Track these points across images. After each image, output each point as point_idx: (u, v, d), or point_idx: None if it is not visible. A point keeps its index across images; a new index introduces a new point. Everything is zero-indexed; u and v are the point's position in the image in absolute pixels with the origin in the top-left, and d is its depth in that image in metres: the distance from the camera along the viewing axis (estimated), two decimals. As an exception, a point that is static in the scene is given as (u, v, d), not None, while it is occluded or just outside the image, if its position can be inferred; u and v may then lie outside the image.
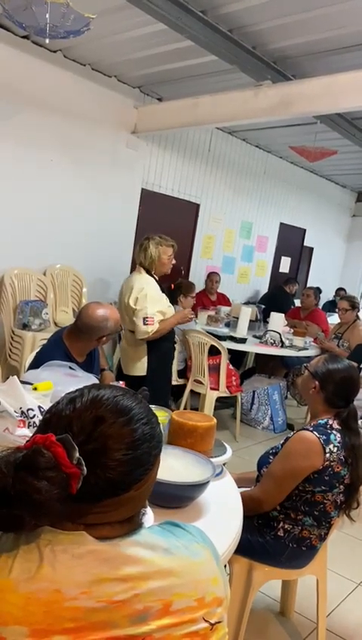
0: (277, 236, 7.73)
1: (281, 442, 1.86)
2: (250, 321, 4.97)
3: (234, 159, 6.57)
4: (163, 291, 3.33)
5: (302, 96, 3.84)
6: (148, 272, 3.25)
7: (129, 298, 3.15)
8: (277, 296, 6.58)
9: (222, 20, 3.44)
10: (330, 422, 1.79)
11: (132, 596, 0.72)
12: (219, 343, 4.18)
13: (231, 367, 4.43)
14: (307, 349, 4.76)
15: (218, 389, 4.25)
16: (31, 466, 0.70)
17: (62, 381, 1.80)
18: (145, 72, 4.61)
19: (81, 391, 0.81)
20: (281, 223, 7.73)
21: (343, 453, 1.74)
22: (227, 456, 1.74)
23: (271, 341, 4.69)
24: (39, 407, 1.52)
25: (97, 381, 2.13)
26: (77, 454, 0.71)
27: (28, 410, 1.49)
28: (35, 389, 1.67)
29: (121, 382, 2.40)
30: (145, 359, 3.24)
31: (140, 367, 3.26)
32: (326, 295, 8.24)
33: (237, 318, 4.90)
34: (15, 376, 1.59)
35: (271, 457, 1.86)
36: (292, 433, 1.82)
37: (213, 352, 4.21)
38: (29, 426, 1.47)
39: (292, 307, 6.24)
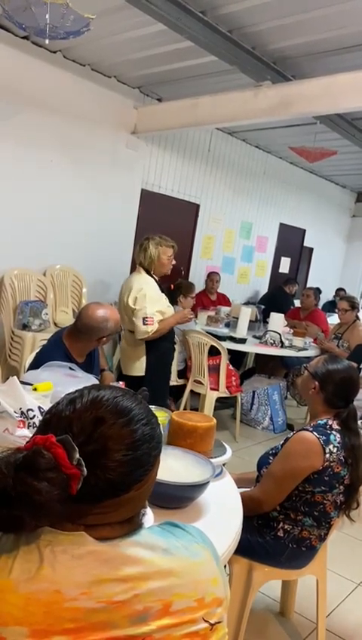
0: (277, 236, 7.73)
1: (281, 443, 1.86)
2: (250, 321, 4.97)
3: (233, 160, 6.57)
4: (162, 291, 3.33)
5: (302, 96, 3.85)
6: (148, 272, 3.25)
7: (128, 298, 3.16)
8: (277, 297, 6.58)
9: (222, 21, 3.44)
10: (330, 422, 1.79)
11: (132, 597, 0.72)
12: (218, 344, 4.18)
13: (230, 367, 4.43)
14: (307, 349, 4.76)
15: (218, 390, 4.25)
16: (31, 466, 0.70)
17: (62, 382, 1.80)
18: (144, 73, 4.61)
19: (81, 392, 0.81)
20: (281, 224, 7.73)
21: (343, 453, 1.74)
22: (227, 456, 1.74)
23: (271, 341, 4.70)
24: (39, 407, 1.52)
25: (97, 382, 2.13)
26: (77, 455, 0.71)
27: (28, 410, 1.49)
28: (35, 389, 1.67)
29: (121, 382, 2.40)
30: (143, 359, 3.25)
31: (139, 367, 3.27)
32: (326, 295, 8.25)
33: (237, 319, 4.91)
34: (15, 377, 1.59)
35: (271, 458, 1.86)
36: (292, 433, 1.82)
37: (213, 352, 4.21)
38: (28, 427, 1.47)
39: (292, 307, 6.24)
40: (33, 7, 2.48)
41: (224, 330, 4.87)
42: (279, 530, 1.81)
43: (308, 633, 2.20)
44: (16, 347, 4.15)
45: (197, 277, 6.26)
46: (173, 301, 4.10)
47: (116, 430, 0.76)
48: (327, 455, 1.71)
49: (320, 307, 6.30)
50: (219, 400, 4.35)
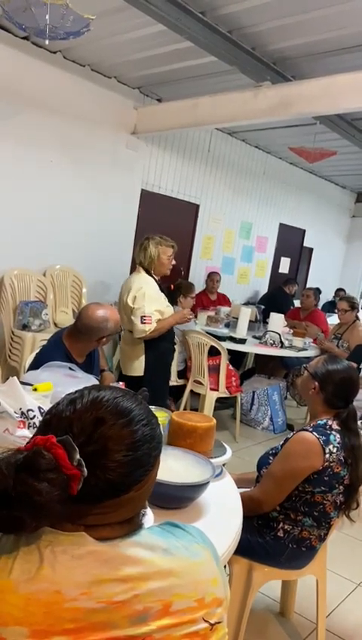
0: (277, 237, 7.74)
1: (281, 443, 1.87)
2: (250, 321, 4.97)
3: (233, 160, 6.57)
4: (162, 291, 3.33)
5: (302, 97, 3.85)
6: (148, 272, 3.26)
7: (127, 297, 3.17)
8: (277, 297, 6.58)
9: (222, 21, 3.45)
10: (330, 422, 1.79)
11: (132, 597, 0.72)
12: (218, 344, 4.18)
13: (230, 367, 4.43)
14: (306, 349, 4.76)
15: (218, 390, 4.25)
16: (32, 467, 0.70)
17: (62, 382, 1.80)
18: (144, 73, 4.61)
19: (81, 392, 0.81)
20: (281, 224, 7.73)
21: (343, 453, 1.74)
22: (227, 456, 1.75)
23: (271, 342, 4.70)
24: (39, 408, 1.52)
25: (97, 382, 2.13)
26: (77, 456, 0.71)
27: (28, 410, 1.49)
28: (35, 389, 1.67)
29: (121, 383, 2.40)
30: (142, 358, 3.25)
31: (138, 367, 3.27)
32: (326, 296, 8.25)
33: (237, 319, 4.91)
34: (15, 377, 1.59)
35: (271, 458, 1.86)
36: (291, 434, 1.82)
37: (213, 352, 4.21)
38: (28, 427, 1.47)
39: (292, 308, 6.24)
40: (33, 7, 2.48)
41: (224, 331, 4.87)
42: (279, 530, 1.81)
43: (308, 633, 2.20)
44: (16, 347, 4.15)
45: (196, 277, 6.27)
46: (173, 301, 4.10)
47: (116, 431, 0.76)
48: (327, 455, 1.71)
49: (319, 307, 6.30)
50: (218, 400, 4.35)
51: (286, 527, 1.81)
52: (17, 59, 4.12)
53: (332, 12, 3.14)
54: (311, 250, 8.63)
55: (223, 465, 1.75)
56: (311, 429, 1.76)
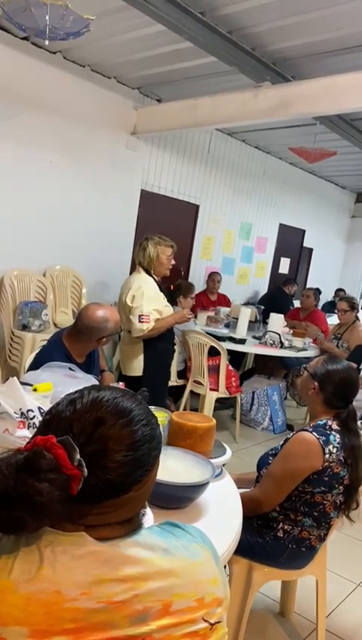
0: (277, 237, 7.74)
1: (281, 443, 1.87)
2: (250, 321, 4.97)
3: (233, 160, 6.57)
4: (162, 291, 3.34)
5: (301, 97, 3.85)
6: (148, 272, 3.26)
7: (126, 296, 3.18)
8: (277, 297, 6.58)
9: (222, 22, 3.45)
10: (329, 423, 1.79)
11: (132, 597, 0.72)
12: (218, 344, 4.18)
13: (230, 367, 4.43)
14: (306, 349, 4.76)
15: (217, 390, 4.25)
16: (32, 467, 0.70)
17: (62, 382, 1.80)
18: (144, 74, 4.61)
19: (81, 392, 0.81)
20: (281, 224, 7.74)
21: (342, 454, 1.74)
22: (226, 457, 1.75)
23: (271, 342, 4.70)
24: (39, 408, 1.52)
25: (97, 382, 2.14)
26: (78, 456, 0.71)
27: (28, 411, 1.49)
28: (35, 390, 1.67)
29: (121, 383, 2.40)
30: (141, 358, 3.25)
31: (137, 367, 3.27)
32: (326, 296, 8.25)
33: (237, 319, 4.91)
34: (15, 378, 1.59)
35: (271, 458, 1.86)
36: (291, 434, 1.82)
37: (213, 352, 4.21)
38: (28, 427, 1.47)
39: (292, 308, 6.24)
40: (33, 8, 2.49)
41: (224, 331, 4.87)
42: (279, 530, 1.81)
43: (308, 633, 2.20)
44: (16, 348, 4.15)
45: (196, 277, 6.27)
46: (173, 302, 4.10)
47: (116, 431, 0.76)
48: (327, 455, 1.71)
49: (319, 308, 6.30)
50: (218, 400, 4.36)
51: (286, 527, 1.81)
52: (17, 59, 4.12)
53: (331, 12, 3.15)
54: (310, 250, 8.63)
55: (223, 465, 1.75)
56: (310, 430, 1.76)
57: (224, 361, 4.23)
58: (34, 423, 1.48)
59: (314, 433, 1.74)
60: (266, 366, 5.21)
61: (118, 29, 3.70)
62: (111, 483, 0.75)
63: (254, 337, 4.90)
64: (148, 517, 1.23)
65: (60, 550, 0.73)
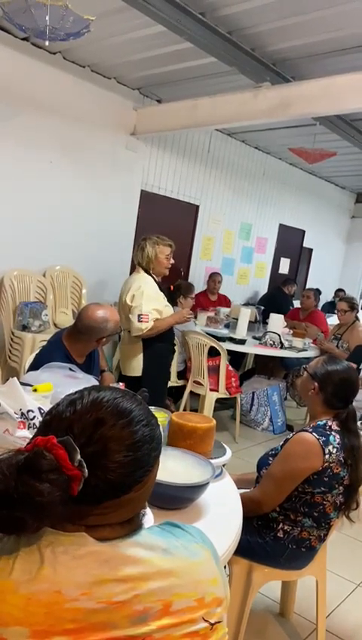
0: (277, 237, 7.74)
1: (281, 443, 1.87)
2: (250, 322, 4.97)
3: (233, 161, 6.58)
4: (162, 292, 3.34)
5: (301, 97, 3.85)
6: (147, 272, 3.27)
7: (126, 296, 3.18)
8: (277, 298, 6.58)
9: (221, 22, 3.45)
10: (329, 423, 1.79)
11: (132, 597, 0.72)
12: (218, 344, 4.18)
13: (230, 368, 4.43)
14: (306, 350, 4.76)
15: (217, 390, 4.25)
16: (33, 468, 0.70)
17: (62, 382, 1.80)
18: (144, 74, 4.62)
19: (81, 393, 0.81)
20: (280, 225, 7.74)
21: (342, 454, 1.74)
22: (226, 457, 1.75)
23: (271, 342, 4.70)
24: (39, 408, 1.52)
25: (97, 383, 2.14)
26: (78, 456, 0.71)
27: (28, 411, 1.49)
28: (35, 390, 1.67)
29: (121, 383, 2.40)
30: (140, 358, 3.25)
31: (136, 367, 3.27)
32: (326, 296, 8.25)
33: (237, 319, 4.91)
34: (15, 378, 1.59)
35: (271, 459, 1.86)
36: (291, 434, 1.82)
37: (213, 353, 4.21)
38: (29, 428, 1.47)
39: (292, 308, 6.24)
40: (33, 8, 2.49)
41: (223, 331, 4.87)
42: (279, 531, 1.81)
43: (308, 634, 2.20)
44: (16, 348, 4.15)
45: (196, 278, 6.27)
46: (173, 302, 4.10)
47: (116, 431, 0.76)
48: (327, 456, 1.71)
49: (319, 308, 6.30)
50: (218, 401, 4.36)
51: (285, 527, 1.81)
52: (17, 60, 4.12)
53: (331, 13, 3.15)
54: (310, 250, 8.64)
55: (223, 466, 1.76)
56: (310, 430, 1.76)
57: (224, 362, 4.23)
58: (34, 424, 1.48)
59: (313, 434, 1.74)
60: (266, 366, 5.21)
61: (118, 30, 3.70)
62: (112, 483, 0.75)
63: (254, 338, 4.90)
64: (149, 517, 1.23)
65: (61, 550, 0.73)
